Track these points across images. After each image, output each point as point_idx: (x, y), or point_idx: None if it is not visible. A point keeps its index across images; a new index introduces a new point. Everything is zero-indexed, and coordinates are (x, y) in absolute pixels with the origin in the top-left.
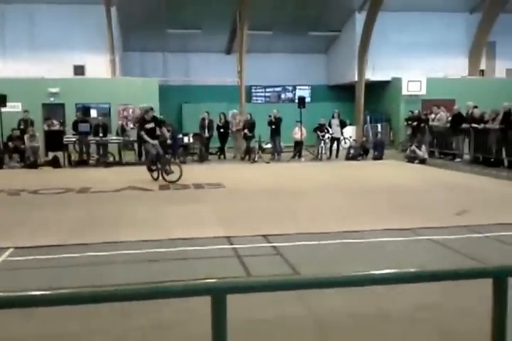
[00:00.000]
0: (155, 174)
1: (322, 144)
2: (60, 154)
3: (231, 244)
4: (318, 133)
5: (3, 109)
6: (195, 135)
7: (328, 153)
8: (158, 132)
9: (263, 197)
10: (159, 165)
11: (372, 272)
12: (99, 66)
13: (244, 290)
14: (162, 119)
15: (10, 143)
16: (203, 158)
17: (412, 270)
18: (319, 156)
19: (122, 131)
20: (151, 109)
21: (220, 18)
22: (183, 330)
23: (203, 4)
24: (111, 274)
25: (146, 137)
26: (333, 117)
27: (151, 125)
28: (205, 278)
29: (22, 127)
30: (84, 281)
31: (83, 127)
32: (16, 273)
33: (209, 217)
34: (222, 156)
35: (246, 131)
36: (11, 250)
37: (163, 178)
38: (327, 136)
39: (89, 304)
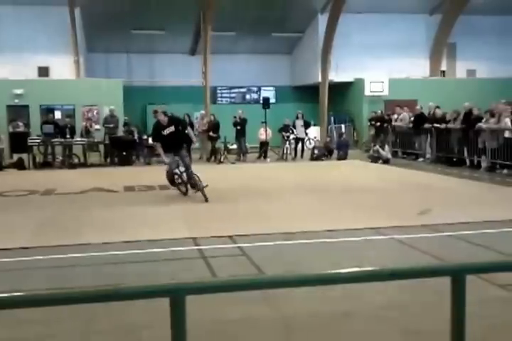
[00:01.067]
0: (182, 188)
1: (287, 145)
2: (24, 156)
3: (197, 245)
4: (283, 133)
5: None
6: None
7: (293, 153)
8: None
9: (228, 198)
10: (184, 178)
11: (334, 271)
12: (63, 67)
13: (203, 290)
14: (182, 120)
15: None
16: None
17: (371, 268)
18: (284, 157)
19: (87, 132)
20: (155, 111)
21: (184, 19)
22: (147, 332)
23: (166, 5)
24: (74, 277)
25: (160, 151)
26: (297, 118)
27: (170, 129)
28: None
29: None
30: (47, 284)
31: (47, 128)
32: None
33: (175, 218)
34: None
35: (210, 132)
36: None
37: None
38: (292, 136)
39: (49, 306)
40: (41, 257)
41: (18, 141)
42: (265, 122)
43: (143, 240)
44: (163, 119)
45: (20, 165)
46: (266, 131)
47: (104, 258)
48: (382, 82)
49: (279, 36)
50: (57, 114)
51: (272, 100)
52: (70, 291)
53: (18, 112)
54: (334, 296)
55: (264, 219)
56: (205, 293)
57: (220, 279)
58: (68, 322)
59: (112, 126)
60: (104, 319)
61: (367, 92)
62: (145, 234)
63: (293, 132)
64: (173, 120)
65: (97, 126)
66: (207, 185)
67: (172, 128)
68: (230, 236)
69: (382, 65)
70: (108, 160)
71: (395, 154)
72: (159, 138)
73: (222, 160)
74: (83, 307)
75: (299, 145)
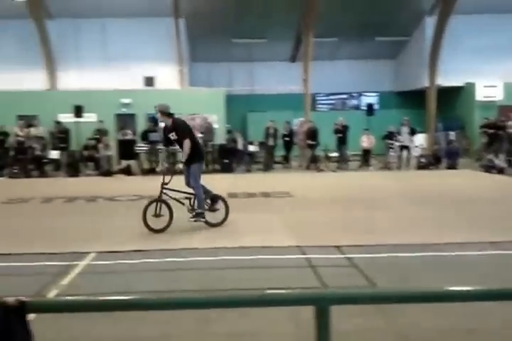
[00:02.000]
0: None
1: (391, 153)
2: (132, 162)
3: (303, 254)
4: (388, 141)
5: (80, 120)
6: (260, 143)
7: (397, 161)
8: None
9: (333, 207)
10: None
11: (452, 288)
12: (168, 77)
13: (349, 301)
14: (182, 125)
15: (85, 152)
16: (267, 167)
17: (496, 287)
18: (388, 165)
19: None
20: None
21: (284, 27)
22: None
23: (267, 13)
24: (183, 280)
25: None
26: (402, 125)
27: (173, 135)
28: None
29: (97, 137)
30: (166, 286)
31: (153, 136)
32: (98, 276)
33: (279, 225)
34: (287, 165)
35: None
36: (93, 255)
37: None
38: (396, 144)
39: (174, 310)
40: (156, 260)
41: (126, 148)
42: (368, 129)
43: (250, 246)
44: (168, 120)
45: (127, 171)
46: (369, 138)
47: (215, 264)
48: (496, 87)
49: (383, 40)
50: (162, 123)
51: (375, 106)
52: (217, 295)
53: (125, 121)
54: (455, 312)
55: (371, 230)
56: (350, 303)
57: (365, 290)
58: (187, 324)
59: (206, 133)
60: (219, 323)
61: (478, 97)
62: (251, 241)
63: (398, 139)
64: (175, 124)
65: (200, 135)
66: (226, 218)
67: (174, 135)
68: (336, 246)
69: (495, 68)
70: (209, 167)
71: (510, 163)
72: (170, 144)
73: (322, 168)
74: (200, 312)
75: (404, 153)
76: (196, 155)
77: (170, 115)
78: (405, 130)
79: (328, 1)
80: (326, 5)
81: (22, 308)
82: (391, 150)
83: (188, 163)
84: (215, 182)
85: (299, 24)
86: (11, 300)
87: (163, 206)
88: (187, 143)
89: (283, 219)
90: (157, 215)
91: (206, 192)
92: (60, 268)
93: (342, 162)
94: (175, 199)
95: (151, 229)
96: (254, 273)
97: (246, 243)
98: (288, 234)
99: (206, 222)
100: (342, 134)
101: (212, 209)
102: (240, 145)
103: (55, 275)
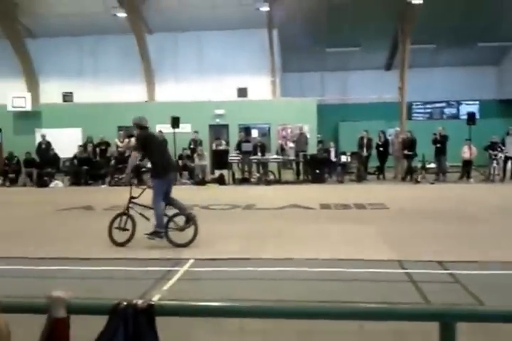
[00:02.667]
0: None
1: (495, 164)
2: (225, 172)
3: (403, 268)
4: (490, 152)
5: (176, 130)
6: (353, 154)
7: (501, 173)
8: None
9: (432, 220)
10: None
11: None
12: (260, 88)
13: (476, 318)
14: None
15: (180, 162)
16: (361, 178)
17: None
18: (491, 177)
19: (281, 150)
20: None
21: (380, 34)
22: None
23: (362, 21)
24: (281, 290)
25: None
26: (507, 134)
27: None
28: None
29: (192, 147)
30: (263, 295)
31: (246, 147)
32: (197, 283)
33: (375, 238)
34: (381, 176)
35: (406, 150)
36: (192, 261)
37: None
38: (500, 155)
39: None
40: (251, 268)
41: (220, 158)
42: (470, 139)
43: (345, 259)
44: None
45: (221, 181)
46: (470, 148)
47: (308, 275)
48: None
49: (486, 46)
50: (254, 133)
51: (476, 115)
52: (342, 306)
53: (218, 131)
54: None
55: (474, 245)
56: (477, 321)
57: (495, 308)
58: (285, 335)
59: (298, 143)
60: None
61: None
62: (346, 253)
63: (502, 150)
64: (137, 137)
65: (291, 145)
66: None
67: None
68: (439, 262)
69: None
70: (301, 177)
71: None
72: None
73: (419, 179)
74: (296, 322)
75: (509, 165)
76: (160, 170)
77: (142, 128)
78: (510, 140)
79: (426, 6)
80: (425, 9)
81: (150, 311)
82: (494, 161)
83: (152, 178)
84: (307, 192)
85: (396, 31)
86: (140, 302)
87: (129, 220)
88: (132, 155)
89: (379, 231)
90: (122, 229)
91: (181, 208)
92: (161, 273)
93: (440, 173)
94: (140, 214)
95: (114, 242)
96: (351, 286)
97: (341, 255)
98: (385, 247)
99: (170, 242)
100: (441, 144)
101: (182, 227)
102: (332, 156)
103: (156, 281)
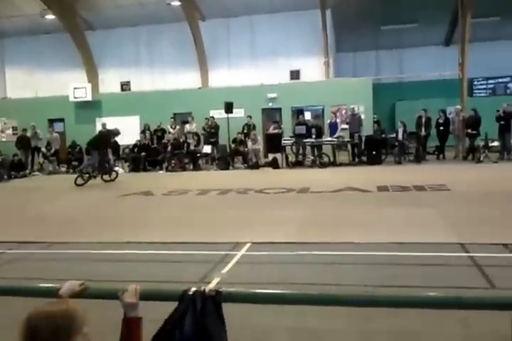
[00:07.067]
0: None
1: None
2: (278, 155)
3: (466, 252)
4: None
5: (230, 115)
6: (411, 134)
7: None
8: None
9: (496, 202)
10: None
11: None
12: (313, 69)
13: None
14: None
15: (233, 146)
16: (419, 158)
17: None
18: None
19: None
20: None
21: (438, 9)
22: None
23: None
24: (341, 274)
25: None
26: None
27: None
28: None
29: (245, 131)
30: (322, 279)
31: (299, 129)
32: (254, 266)
33: (436, 220)
34: (441, 156)
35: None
36: (249, 245)
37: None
38: None
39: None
40: (304, 252)
41: (273, 142)
42: None
43: (406, 242)
44: None
45: (274, 164)
46: None
47: (370, 259)
48: None
49: None
50: (307, 115)
51: None
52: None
53: (271, 115)
54: None
55: None
56: None
57: None
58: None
59: (352, 124)
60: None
61: None
62: (407, 236)
63: None
64: None
65: (345, 126)
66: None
67: None
68: (504, 245)
69: None
70: (356, 159)
71: None
72: None
73: (481, 159)
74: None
75: None
76: None
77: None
78: None
79: None
80: None
81: (218, 297)
82: None
83: None
84: (363, 174)
85: (455, 4)
86: (208, 289)
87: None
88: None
89: (440, 214)
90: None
91: None
92: (219, 257)
93: (504, 152)
94: None
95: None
96: (412, 270)
97: (404, 238)
98: (448, 230)
99: None
100: (505, 122)
101: None
102: (400, 136)
103: (215, 264)
